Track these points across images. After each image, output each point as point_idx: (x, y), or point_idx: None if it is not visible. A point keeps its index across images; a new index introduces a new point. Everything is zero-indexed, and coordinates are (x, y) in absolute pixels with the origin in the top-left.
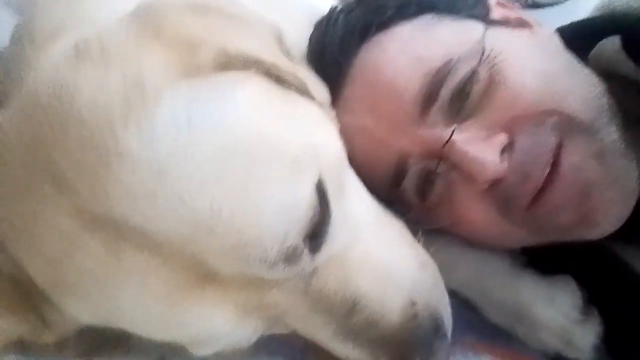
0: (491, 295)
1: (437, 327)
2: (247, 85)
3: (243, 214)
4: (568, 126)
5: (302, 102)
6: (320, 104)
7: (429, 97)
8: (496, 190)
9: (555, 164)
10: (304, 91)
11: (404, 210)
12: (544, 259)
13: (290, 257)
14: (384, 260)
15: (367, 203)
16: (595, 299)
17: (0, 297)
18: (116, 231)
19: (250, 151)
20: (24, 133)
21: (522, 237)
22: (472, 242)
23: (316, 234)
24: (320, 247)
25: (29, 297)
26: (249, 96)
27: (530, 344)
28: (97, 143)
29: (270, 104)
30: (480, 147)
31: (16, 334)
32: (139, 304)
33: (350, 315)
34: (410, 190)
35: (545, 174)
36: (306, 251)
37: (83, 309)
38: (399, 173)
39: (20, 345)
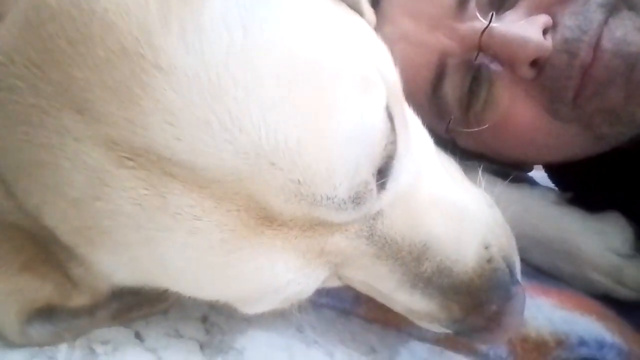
0: (537, 233)
1: (511, 271)
2: None
3: (311, 142)
4: (614, 4)
5: (355, 18)
6: (369, 23)
7: None
8: (542, 79)
9: (599, 39)
10: (355, 8)
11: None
12: (590, 195)
13: (359, 196)
14: (455, 198)
15: (425, 136)
16: None
17: (16, 254)
18: (159, 167)
19: (315, 65)
20: (30, 51)
21: (573, 136)
22: (522, 150)
23: (383, 169)
24: (386, 184)
25: (49, 252)
26: (305, 2)
27: (577, 285)
28: (129, 55)
29: (328, 14)
30: (520, 25)
31: (41, 297)
32: (187, 254)
33: (420, 261)
34: (451, 96)
35: (593, 50)
36: (374, 189)
37: (117, 263)
38: (439, 74)
39: (48, 312)
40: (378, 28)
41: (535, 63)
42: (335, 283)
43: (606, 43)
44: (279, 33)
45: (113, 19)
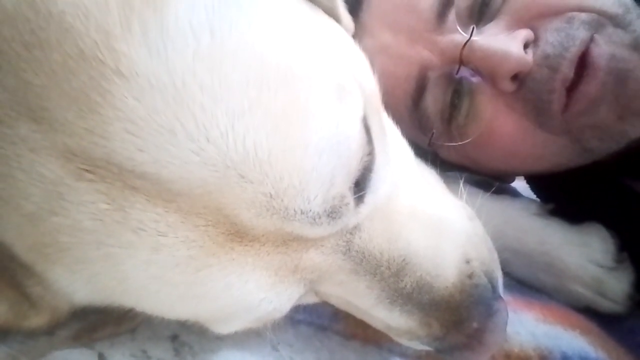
0: (518, 245)
1: (493, 286)
2: None
3: (282, 152)
4: (599, 21)
5: (333, 25)
6: (347, 30)
7: (445, 1)
8: (524, 92)
9: (585, 55)
10: (332, 13)
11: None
12: (571, 206)
13: (334, 210)
14: (435, 211)
15: (404, 148)
16: (626, 246)
17: None
18: (120, 179)
19: (287, 70)
20: None
21: (560, 148)
22: (506, 161)
23: (360, 181)
24: (364, 197)
25: (5, 270)
26: (279, 6)
27: (559, 297)
28: (88, 60)
29: (303, 18)
30: (501, 39)
31: None
32: (151, 271)
33: (399, 277)
34: (432, 109)
35: (575, 66)
36: (351, 202)
37: (77, 282)
38: (420, 88)
39: (1, 333)
40: (357, 40)
41: (516, 77)
42: (312, 299)
43: (597, 60)
44: (249, 36)
45: (70, 21)
